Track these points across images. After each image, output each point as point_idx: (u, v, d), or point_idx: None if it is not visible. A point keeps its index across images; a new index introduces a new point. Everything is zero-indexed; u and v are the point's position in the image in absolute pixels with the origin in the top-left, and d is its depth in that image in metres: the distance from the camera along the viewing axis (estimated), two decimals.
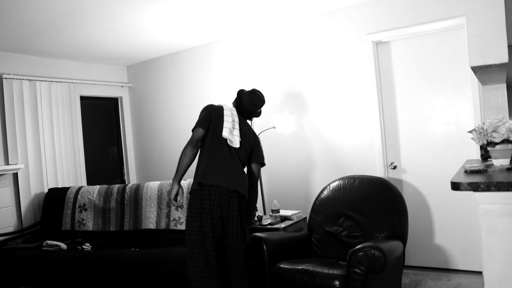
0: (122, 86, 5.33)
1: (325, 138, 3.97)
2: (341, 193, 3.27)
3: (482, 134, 2.22)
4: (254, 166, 2.85)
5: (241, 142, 2.74)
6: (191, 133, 2.69)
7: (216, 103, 2.90)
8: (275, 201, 3.81)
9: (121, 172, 5.35)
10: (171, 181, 2.77)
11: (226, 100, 4.42)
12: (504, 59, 1.96)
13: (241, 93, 2.97)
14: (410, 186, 3.65)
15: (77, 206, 4.04)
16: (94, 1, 3.08)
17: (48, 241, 3.59)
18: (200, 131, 2.66)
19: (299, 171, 4.14)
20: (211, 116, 2.72)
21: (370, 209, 3.08)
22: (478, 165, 2.11)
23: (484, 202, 1.76)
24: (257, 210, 3.73)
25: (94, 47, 4.35)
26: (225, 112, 2.76)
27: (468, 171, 2.07)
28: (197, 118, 2.74)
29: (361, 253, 2.47)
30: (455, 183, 1.79)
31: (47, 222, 4.07)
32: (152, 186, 3.85)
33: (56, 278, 3.30)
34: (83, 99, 4.85)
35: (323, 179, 3.85)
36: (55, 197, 4.14)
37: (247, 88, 3.15)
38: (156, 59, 5.10)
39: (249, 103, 2.92)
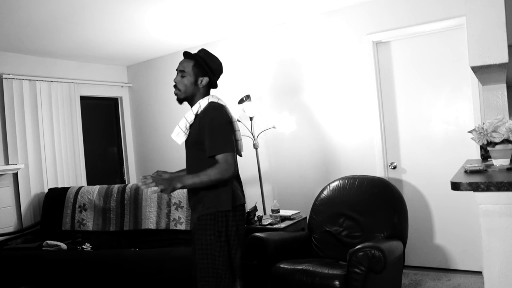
0: (122, 86, 5.32)
1: (325, 138, 3.97)
2: (341, 193, 3.27)
3: (482, 134, 2.22)
4: None
5: None
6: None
7: (213, 99, 2.27)
8: (275, 201, 3.81)
9: (121, 172, 5.35)
10: (181, 179, 2.07)
11: (229, 101, 4.42)
12: (504, 59, 1.96)
13: (202, 56, 2.25)
14: (410, 186, 3.65)
15: (77, 206, 4.04)
16: (94, 1, 3.08)
17: (48, 241, 3.59)
18: (234, 155, 2.15)
19: (299, 171, 4.14)
20: (234, 132, 2.23)
21: (370, 209, 3.08)
22: (478, 165, 2.11)
23: (484, 202, 1.76)
24: (257, 210, 3.73)
25: (94, 47, 4.35)
26: (233, 119, 2.28)
27: (468, 171, 2.07)
28: (218, 129, 2.13)
29: (361, 253, 2.47)
30: (455, 183, 1.79)
31: (47, 222, 4.07)
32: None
33: (56, 278, 3.30)
34: (83, 99, 4.85)
35: (323, 179, 3.85)
36: (55, 197, 4.14)
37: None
38: (156, 59, 5.10)
39: (219, 66, 2.30)
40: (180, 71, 2.22)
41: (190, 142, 2.22)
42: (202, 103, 2.21)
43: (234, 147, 2.14)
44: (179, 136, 2.21)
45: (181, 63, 2.24)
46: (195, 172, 2.12)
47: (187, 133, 2.21)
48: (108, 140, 5.36)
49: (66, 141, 4.53)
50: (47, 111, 4.38)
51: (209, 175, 2.06)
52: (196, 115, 2.19)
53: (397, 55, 3.65)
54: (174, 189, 2.02)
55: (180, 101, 2.27)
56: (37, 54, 4.38)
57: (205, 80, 2.24)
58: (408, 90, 3.62)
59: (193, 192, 2.22)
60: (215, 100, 2.24)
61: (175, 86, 2.24)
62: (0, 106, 4.09)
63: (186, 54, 2.27)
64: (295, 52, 4.09)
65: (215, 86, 2.32)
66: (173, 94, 2.30)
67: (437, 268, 3.56)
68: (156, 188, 1.98)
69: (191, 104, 2.26)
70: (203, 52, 2.29)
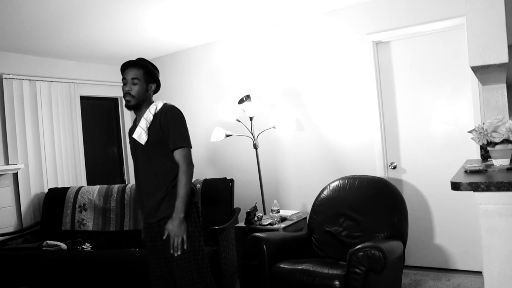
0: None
1: (325, 138, 3.97)
2: (341, 193, 3.27)
3: (482, 134, 2.23)
4: None
5: None
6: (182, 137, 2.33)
7: (164, 101, 2.41)
8: (275, 201, 3.81)
9: (121, 172, 5.35)
10: (178, 216, 2.18)
11: (229, 101, 4.43)
12: (504, 59, 1.96)
13: (149, 64, 2.38)
14: (410, 186, 3.65)
15: (77, 206, 4.04)
16: (94, 1, 3.08)
17: (48, 241, 3.59)
18: (190, 150, 2.33)
19: (299, 171, 4.14)
20: None
21: (370, 209, 3.08)
22: (478, 165, 2.11)
23: (484, 202, 1.76)
24: (257, 210, 3.73)
25: (94, 47, 4.35)
26: None
27: (468, 171, 2.07)
28: (181, 124, 2.32)
29: (361, 253, 2.47)
30: (455, 183, 1.79)
31: (47, 222, 4.07)
32: None
33: (56, 278, 3.30)
34: (83, 99, 4.85)
35: (323, 179, 3.85)
36: (55, 197, 4.14)
37: None
38: (156, 59, 5.10)
39: (158, 73, 2.49)
40: (133, 79, 2.29)
41: (151, 142, 2.27)
42: (158, 105, 2.33)
43: (190, 143, 2.30)
44: (142, 136, 2.27)
45: (130, 71, 2.31)
46: (156, 173, 2.27)
47: (148, 133, 2.28)
48: (108, 140, 5.35)
49: (66, 141, 4.53)
50: (47, 111, 4.38)
51: (185, 183, 2.19)
52: (155, 115, 2.29)
53: (397, 55, 3.65)
54: (181, 222, 2.16)
55: (131, 107, 2.33)
56: (37, 54, 4.38)
57: (153, 86, 2.37)
58: (408, 90, 3.62)
59: (152, 195, 2.28)
60: (168, 102, 2.37)
61: (128, 94, 2.30)
62: (0, 106, 4.09)
63: (133, 63, 2.33)
64: (295, 52, 4.09)
65: (156, 92, 2.44)
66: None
67: (437, 268, 3.56)
68: (184, 240, 2.17)
69: (139, 110, 2.34)
70: (147, 61, 2.39)
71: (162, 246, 2.25)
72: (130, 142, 2.44)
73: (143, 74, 2.31)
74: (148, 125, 2.28)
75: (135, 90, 2.29)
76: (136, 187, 2.42)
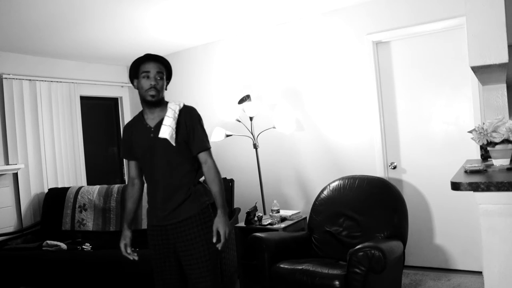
0: (122, 86, 5.32)
1: (325, 138, 3.97)
2: (341, 193, 3.27)
3: (482, 134, 2.23)
4: None
5: None
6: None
7: (181, 101, 2.33)
8: (275, 201, 3.81)
9: (121, 172, 5.35)
10: (221, 217, 2.16)
11: (229, 101, 4.43)
12: (504, 59, 1.96)
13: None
14: (410, 186, 3.65)
15: (77, 206, 4.04)
16: (94, 1, 3.08)
17: (48, 241, 3.59)
18: None
19: (299, 171, 4.14)
20: None
21: (370, 209, 3.08)
22: (478, 165, 2.11)
23: (484, 202, 1.76)
24: (257, 210, 3.73)
25: (94, 47, 4.35)
26: None
27: (468, 171, 2.07)
28: (203, 126, 2.27)
29: (361, 253, 2.48)
30: (455, 183, 1.79)
31: (47, 222, 4.07)
32: None
33: (56, 278, 3.30)
34: (83, 99, 4.85)
35: (323, 179, 3.85)
36: (55, 197, 4.14)
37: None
38: None
39: None
40: (158, 73, 2.16)
41: (178, 141, 2.15)
42: (180, 103, 2.24)
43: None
44: (172, 135, 2.12)
45: (154, 65, 2.16)
46: (178, 174, 2.17)
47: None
48: (108, 140, 5.35)
49: (66, 141, 4.53)
50: (47, 111, 4.38)
51: (219, 179, 2.21)
52: (179, 114, 2.18)
53: (397, 55, 3.65)
54: (226, 223, 2.17)
55: (154, 103, 2.18)
56: (37, 54, 4.38)
57: (168, 82, 2.28)
58: (408, 90, 3.62)
59: (172, 197, 2.17)
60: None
61: (153, 88, 2.14)
62: (0, 106, 4.09)
63: (154, 57, 2.20)
64: (295, 52, 4.09)
65: None
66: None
67: (437, 268, 3.56)
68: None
69: (157, 107, 2.20)
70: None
71: (183, 246, 2.15)
72: (130, 143, 2.25)
73: (165, 70, 2.21)
74: (175, 124, 2.14)
75: (160, 84, 2.16)
76: (150, 189, 2.26)
